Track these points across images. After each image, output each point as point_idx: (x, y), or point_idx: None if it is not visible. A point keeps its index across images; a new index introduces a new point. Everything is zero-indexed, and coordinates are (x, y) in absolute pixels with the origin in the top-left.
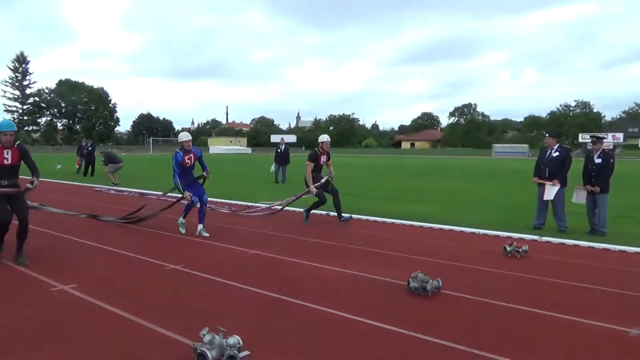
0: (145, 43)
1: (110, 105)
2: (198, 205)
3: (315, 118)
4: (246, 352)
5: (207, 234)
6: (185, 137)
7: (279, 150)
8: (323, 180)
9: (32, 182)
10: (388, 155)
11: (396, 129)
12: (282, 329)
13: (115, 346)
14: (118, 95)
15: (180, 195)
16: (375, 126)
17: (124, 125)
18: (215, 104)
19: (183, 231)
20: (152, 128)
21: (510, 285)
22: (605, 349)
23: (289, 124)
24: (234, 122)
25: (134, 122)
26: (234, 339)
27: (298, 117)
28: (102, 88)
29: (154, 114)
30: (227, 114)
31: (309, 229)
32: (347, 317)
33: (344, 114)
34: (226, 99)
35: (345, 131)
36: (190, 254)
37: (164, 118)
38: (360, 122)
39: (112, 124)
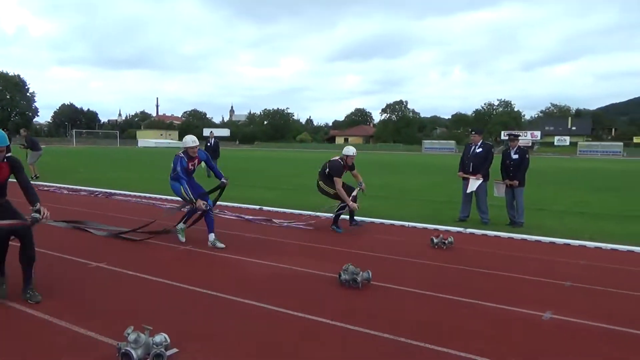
0: (67, 29)
1: (28, 94)
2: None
3: (250, 112)
4: (174, 350)
5: (222, 245)
6: (191, 142)
7: (208, 144)
8: (355, 193)
9: (38, 210)
10: (323, 150)
11: (330, 124)
12: (213, 325)
13: (33, 348)
14: (37, 84)
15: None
16: (309, 121)
17: (44, 116)
18: (144, 96)
19: (183, 239)
20: (75, 119)
21: (437, 275)
22: (522, 332)
23: (222, 118)
24: (164, 114)
25: (55, 112)
26: (161, 337)
27: (232, 111)
28: (18, 76)
29: (78, 105)
30: (157, 106)
31: (234, 224)
32: (278, 310)
33: (278, 108)
34: (156, 91)
35: (280, 126)
36: (115, 251)
37: (88, 109)
38: (295, 117)
39: (30, 114)
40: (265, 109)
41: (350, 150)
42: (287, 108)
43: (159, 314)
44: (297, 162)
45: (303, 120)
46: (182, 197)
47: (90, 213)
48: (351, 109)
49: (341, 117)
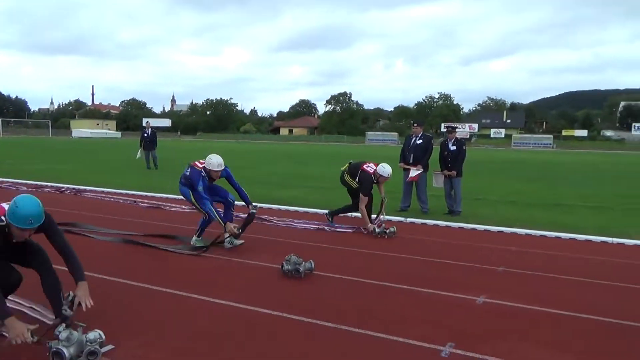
0: None
1: None
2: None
3: (192, 102)
4: (110, 347)
5: (239, 242)
6: (217, 166)
7: (145, 135)
8: (382, 217)
9: (71, 301)
10: (267, 141)
11: (275, 115)
12: (153, 320)
13: None
14: None
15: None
16: (254, 112)
17: None
18: (78, 83)
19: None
20: (1, 108)
21: (379, 263)
22: (458, 317)
23: (163, 107)
24: (100, 103)
25: None
26: (95, 334)
27: (173, 101)
28: None
29: (4, 92)
30: (92, 94)
31: (177, 217)
32: (220, 302)
33: (221, 98)
34: (92, 79)
35: (223, 116)
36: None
37: (16, 97)
38: (239, 108)
39: None
40: (208, 99)
41: (387, 171)
42: (231, 98)
43: (94, 310)
44: (241, 153)
45: (247, 111)
46: (198, 208)
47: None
48: (296, 100)
49: (286, 108)
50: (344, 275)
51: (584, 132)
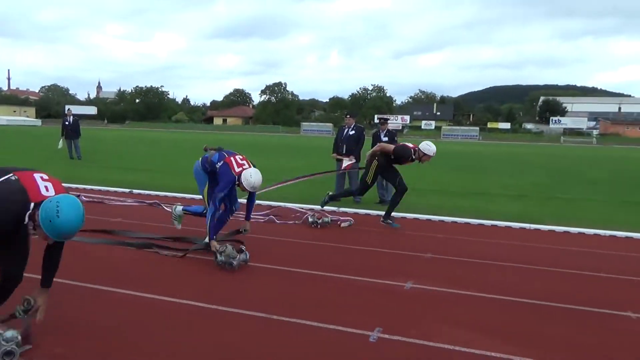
0: None
1: None
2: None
3: (119, 89)
4: (28, 347)
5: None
6: (251, 188)
7: (66, 123)
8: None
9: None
10: (200, 131)
11: (208, 104)
12: (74, 317)
13: None
14: None
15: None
16: (186, 100)
17: None
18: None
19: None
20: None
21: (311, 253)
22: (387, 302)
23: (88, 94)
24: (17, 89)
25: None
26: (12, 333)
27: (99, 87)
28: None
29: None
30: (8, 79)
31: (96, 208)
32: (150, 297)
33: (152, 86)
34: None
35: (154, 104)
36: None
37: None
38: (170, 96)
39: None
40: (137, 87)
41: (432, 149)
42: (162, 86)
43: (12, 309)
44: (171, 143)
45: (179, 100)
46: (203, 199)
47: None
48: (230, 90)
49: (220, 98)
50: (276, 265)
51: (507, 125)
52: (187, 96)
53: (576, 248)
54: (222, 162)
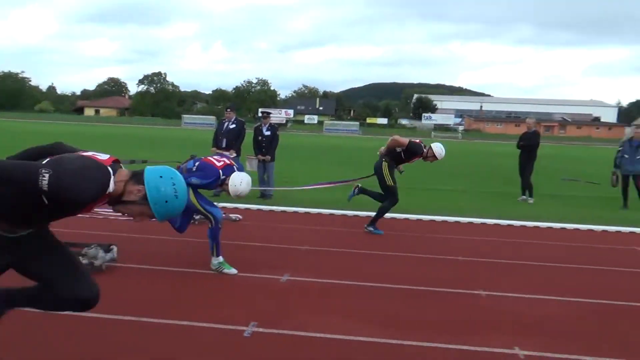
0: None
1: None
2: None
3: None
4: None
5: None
6: (237, 193)
7: None
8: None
9: None
10: (69, 122)
11: (78, 93)
12: None
13: None
14: None
15: None
16: (52, 89)
17: None
18: None
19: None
20: None
21: (188, 250)
22: (264, 295)
23: None
24: None
25: None
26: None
27: None
28: None
29: None
30: None
31: None
32: None
33: (10, 71)
34: None
35: (13, 92)
36: None
37: None
38: (32, 83)
39: None
40: None
41: (442, 154)
42: (22, 72)
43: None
44: (35, 135)
45: (44, 88)
46: (199, 210)
47: None
48: (104, 78)
49: (92, 87)
50: (149, 265)
51: (384, 120)
52: (52, 84)
53: (440, 235)
54: (199, 161)
